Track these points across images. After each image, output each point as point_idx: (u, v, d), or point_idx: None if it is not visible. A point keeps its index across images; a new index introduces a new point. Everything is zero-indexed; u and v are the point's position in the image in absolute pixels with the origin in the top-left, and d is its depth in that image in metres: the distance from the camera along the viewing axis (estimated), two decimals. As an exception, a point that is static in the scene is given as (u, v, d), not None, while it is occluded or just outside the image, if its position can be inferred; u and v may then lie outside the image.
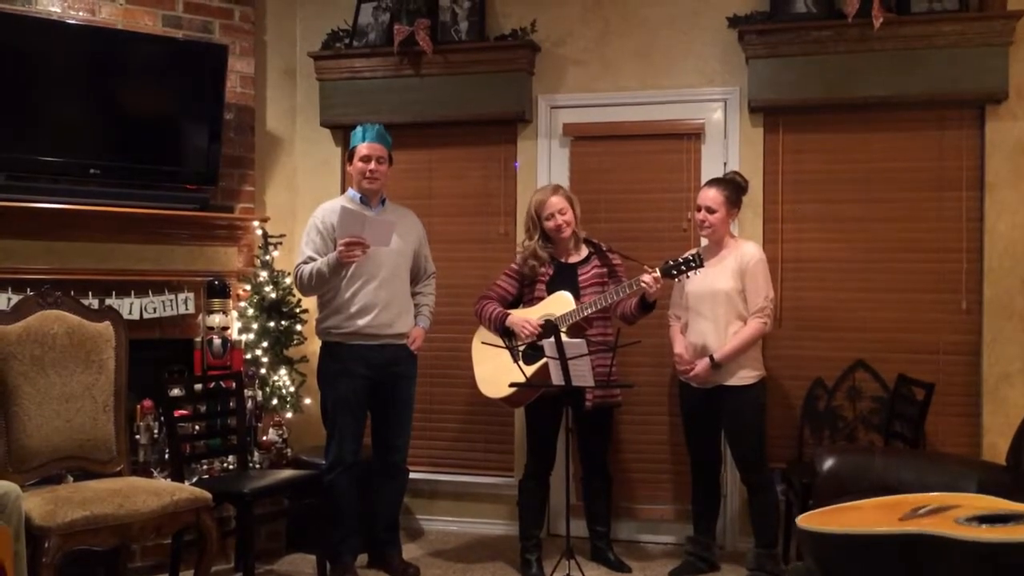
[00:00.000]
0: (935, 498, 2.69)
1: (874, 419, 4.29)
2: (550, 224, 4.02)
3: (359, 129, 4.01)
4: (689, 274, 3.79)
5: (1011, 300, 4.20)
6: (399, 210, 4.15)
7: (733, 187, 3.95)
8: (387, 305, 3.95)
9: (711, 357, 3.83)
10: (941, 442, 4.24)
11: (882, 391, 4.28)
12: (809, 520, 2.66)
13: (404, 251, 4.04)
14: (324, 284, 3.89)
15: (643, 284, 3.79)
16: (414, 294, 4.14)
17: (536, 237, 4.08)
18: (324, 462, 4.05)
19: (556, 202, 4.02)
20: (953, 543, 2.29)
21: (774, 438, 4.31)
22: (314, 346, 4.87)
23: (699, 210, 3.95)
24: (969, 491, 2.93)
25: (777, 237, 4.44)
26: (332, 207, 4.00)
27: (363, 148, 3.95)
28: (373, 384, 3.98)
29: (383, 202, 4.08)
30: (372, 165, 3.94)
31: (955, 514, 2.47)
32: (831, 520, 2.64)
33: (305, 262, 3.90)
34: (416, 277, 4.16)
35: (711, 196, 3.90)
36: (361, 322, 3.91)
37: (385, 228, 3.80)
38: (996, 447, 4.06)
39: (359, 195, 4.01)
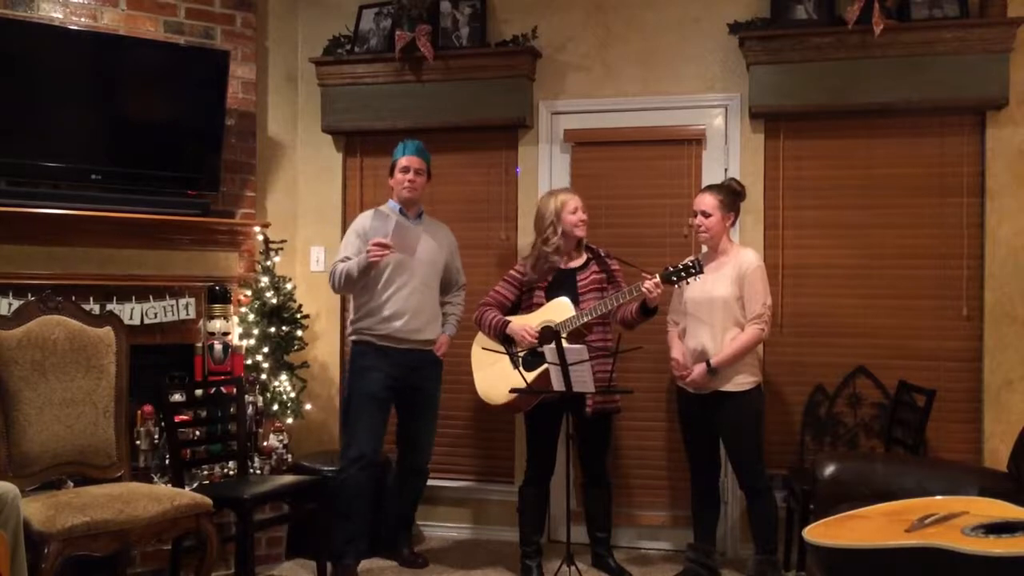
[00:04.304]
0: (941, 504, 2.68)
1: (875, 426, 4.29)
2: (574, 219, 4.04)
3: (400, 145, 4.23)
4: (689, 280, 3.80)
5: (1012, 306, 4.20)
6: (434, 224, 4.34)
7: (727, 192, 3.96)
8: (417, 312, 4.12)
9: (707, 362, 3.83)
10: (942, 449, 4.24)
11: (883, 397, 4.28)
12: (816, 532, 2.64)
13: (436, 262, 4.22)
14: (352, 284, 4.06)
15: (644, 290, 3.79)
16: (443, 303, 4.33)
17: (559, 233, 4.04)
18: (341, 459, 4.13)
19: (579, 200, 4.09)
20: (961, 556, 2.28)
21: (775, 444, 4.31)
22: (314, 352, 4.92)
23: (695, 215, 3.96)
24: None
25: (778, 243, 4.44)
26: (369, 213, 4.25)
27: (403, 160, 4.18)
28: (395, 384, 4.11)
29: (420, 215, 4.25)
30: (411, 175, 4.16)
31: (962, 523, 2.46)
32: (837, 530, 2.63)
33: (341, 261, 4.10)
34: (447, 288, 4.35)
35: (706, 201, 3.92)
36: (392, 326, 4.09)
37: (410, 236, 3.98)
38: (997, 453, 4.05)
39: (399, 206, 4.21)
